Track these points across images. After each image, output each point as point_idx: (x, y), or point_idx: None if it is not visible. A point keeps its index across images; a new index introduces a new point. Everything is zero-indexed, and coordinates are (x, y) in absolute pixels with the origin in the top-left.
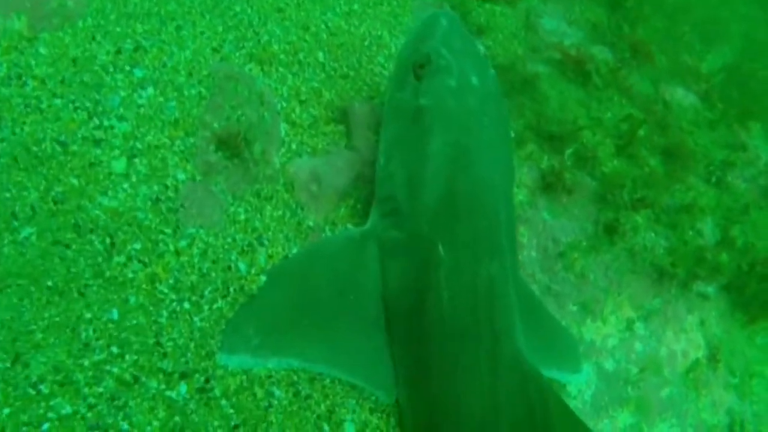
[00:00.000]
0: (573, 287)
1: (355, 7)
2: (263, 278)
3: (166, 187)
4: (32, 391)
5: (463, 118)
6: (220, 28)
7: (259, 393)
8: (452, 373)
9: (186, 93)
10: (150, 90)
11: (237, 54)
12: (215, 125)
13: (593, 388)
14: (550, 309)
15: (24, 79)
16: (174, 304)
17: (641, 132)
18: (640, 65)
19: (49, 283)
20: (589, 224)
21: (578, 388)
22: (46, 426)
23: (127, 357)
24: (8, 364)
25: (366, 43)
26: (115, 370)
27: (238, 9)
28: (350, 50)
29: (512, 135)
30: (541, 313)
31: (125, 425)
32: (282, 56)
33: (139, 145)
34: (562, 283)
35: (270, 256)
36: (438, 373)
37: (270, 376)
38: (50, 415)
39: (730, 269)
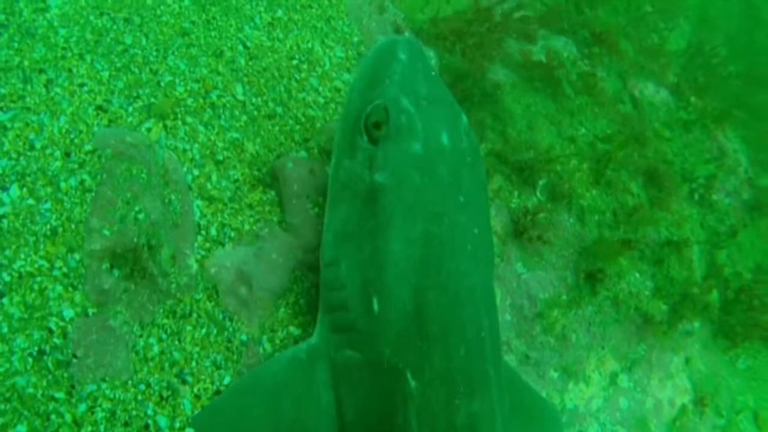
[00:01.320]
0: (553, 352)
1: (279, 14)
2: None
3: (50, 332)
4: None
5: (432, 200)
6: (106, 74)
7: None
8: None
9: (63, 186)
10: (14, 191)
11: (129, 109)
12: (105, 232)
13: None
14: (528, 379)
15: None
16: None
17: (618, 152)
18: (604, 57)
19: None
20: (568, 273)
21: None
22: None
23: None
24: None
25: (294, 62)
26: None
27: (129, 41)
28: (275, 76)
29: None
30: (520, 390)
31: None
32: (189, 101)
33: (5, 277)
34: (541, 349)
35: (197, 397)
36: None
37: None
38: None
39: (716, 303)
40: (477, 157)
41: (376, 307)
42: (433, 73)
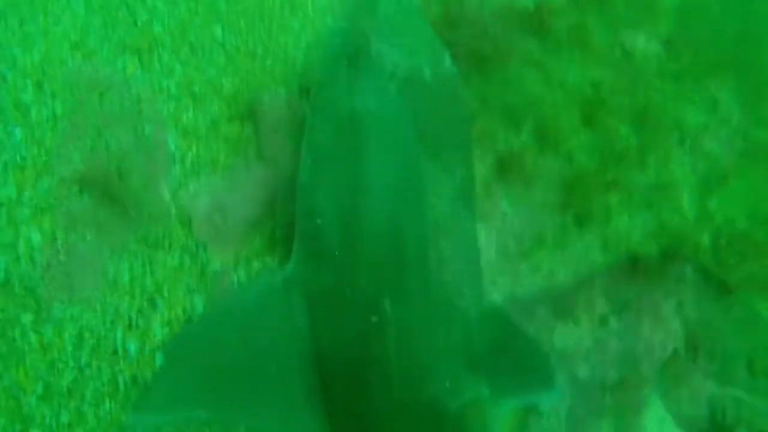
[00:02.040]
0: (541, 290)
1: None
2: (159, 358)
3: (18, 257)
4: None
5: (412, 128)
6: (82, 11)
7: None
8: None
9: (35, 116)
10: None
11: (105, 47)
12: (75, 159)
13: (568, 403)
14: (515, 318)
15: None
16: (48, 419)
17: (608, 96)
18: (596, 7)
19: None
20: (555, 213)
21: (552, 405)
22: None
23: None
24: None
25: (276, 4)
26: None
27: None
28: (256, 17)
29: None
30: (508, 329)
31: None
32: (167, 39)
33: None
34: (529, 286)
35: (168, 323)
36: None
37: None
38: None
39: (708, 245)
40: (460, 94)
41: (352, 233)
42: (417, 9)
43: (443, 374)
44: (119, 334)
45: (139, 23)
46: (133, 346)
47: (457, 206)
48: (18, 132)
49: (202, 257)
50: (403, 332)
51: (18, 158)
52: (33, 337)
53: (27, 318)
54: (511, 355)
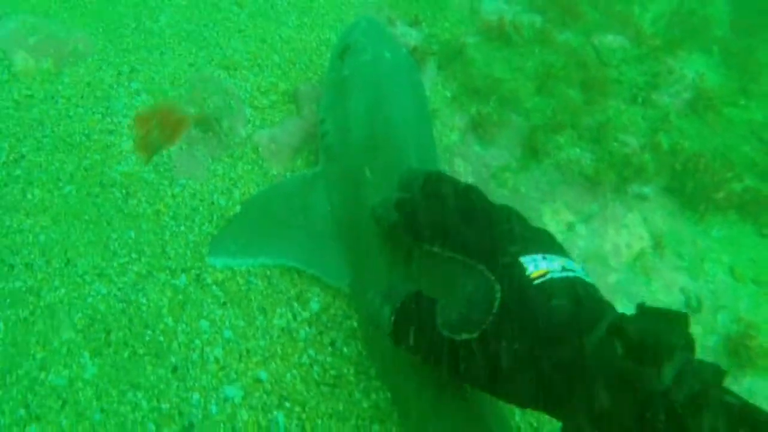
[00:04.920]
0: (508, 200)
1: (305, 20)
2: (238, 207)
3: (162, 155)
4: (79, 280)
5: (376, 80)
6: (194, 50)
7: (241, 281)
8: (379, 263)
9: (170, 94)
10: (144, 96)
11: (208, 66)
12: (192, 111)
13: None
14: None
15: (56, 98)
16: (174, 227)
17: (560, 71)
18: (569, 23)
19: (86, 218)
20: (516, 150)
21: None
22: (89, 300)
23: (142, 259)
24: (63, 264)
25: (315, 45)
26: (135, 267)
27: (206, 35)
28: (302, 52)
29: (426, 93)
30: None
31: (144, 300)
32: (245, 63)
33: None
34: (498, 198)
35: (243, 194)
36: (370, 261)
37: (248, 272)
38: (91, 293)
39: (665, 171)
40: (412, 65)
41: (346, 138)
42: (385, 30)
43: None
44: (215, 196)
45: (227, 54)
46: (222, 201)
47: (415, 125)
48: (149, 98)
49: (264, 167)
50: (377, 187)
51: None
52: (168, 191)
53: (165, 183)
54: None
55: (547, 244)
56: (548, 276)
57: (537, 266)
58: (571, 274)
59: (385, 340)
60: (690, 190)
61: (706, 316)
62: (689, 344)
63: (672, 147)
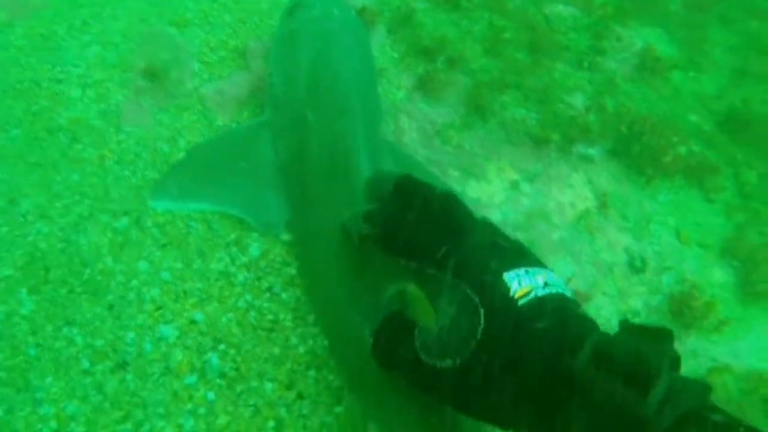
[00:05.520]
0: (452, 156)
1: None
2: (182, 154)
3: (110, 104)
4: (21, 219)
5: (324, 33)
6: (146, 6)
7: (181, 225)
8: (321, 206)
9: (121, 47)
10: (95, 48)
11: (159, 22)
12: (142, 64)
13: None
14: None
15: (7, 47)
16: (117, 171)
17: (507, 35)
18: None
19: (32, 160)
20: (462, 108)
21: None
22: (30, 238)
23: (85, 202)
24: (6, 203)
25: (266, 7)
26: (77, 209)
27: None
28: (253, 13)
29: (372, 52)
30: (421, 171)
31: (84, 240)
32: (196, 20)
33: (89, 81)
34: (442, 154)
35: (188, 143)
36: (313, 207)
37: (189, 216)
38: (32, 232)
39: (610, 133)
40: (359, 23)
41: (293, 88)
42: None
43: (354, 157)
44: (159, 144)
45: (179, 12)
46: (166, 148)
47: (360, 77)
48: (113, 54)
49: (210, 117)
50: (321, 129)
51: (113, 63)
52: (114, 137)
53: (111, 130)
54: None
55: (527, 255)
56: (532, 294)
57: (521, 283)
58: (554, 290)
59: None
60: (636, 152)
61: (650, 277)
62: (675, 363)
63: (617, 109)
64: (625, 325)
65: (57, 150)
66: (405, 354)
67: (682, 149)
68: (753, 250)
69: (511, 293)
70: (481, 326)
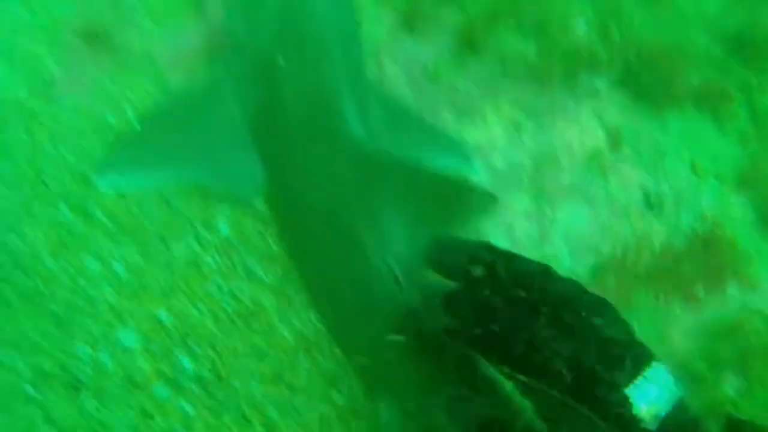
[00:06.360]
0: (445, 97)
1: None
2: (133, 124)
3: (42, 74)
4: None
5: None
6: None
7: (134, 207)
8: (300, 161)
9: (56, 13)
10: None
11: None
12: (78, 23)
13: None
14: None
15: None
16: (51, 151)
17: None
18: None
19: None
20: (452, 45)
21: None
22: None
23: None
24: None
25: None
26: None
27: None
28: None
29: None
30: (414, 117)
31: (17, 241)
32: None
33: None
34: (433, 95)
35: (137, 110)
36: (290, 163)
37: (143, 196)
38: None
39: (617, 63)
40: None
41: (257, 26)
42: None
43: (336, 103)
44: (105, 115)
45: None
46: (112, 119)
47: (337, 17)
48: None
49: (162, 76)
50: (295, 75)
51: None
52: (47, 112)
53: (46, 105)
54: (422, 134)
55: (635, 342)
56: (661, 414)
57: (647, 400)
58: (675, 397)
59: None
60: (645, 81)
61: (668, 216)
62: None
63: (624, 37)
64: (731, 420)
65: None
66: None
67: (694, 77)
68: None
69: (639, 416)
70: None
